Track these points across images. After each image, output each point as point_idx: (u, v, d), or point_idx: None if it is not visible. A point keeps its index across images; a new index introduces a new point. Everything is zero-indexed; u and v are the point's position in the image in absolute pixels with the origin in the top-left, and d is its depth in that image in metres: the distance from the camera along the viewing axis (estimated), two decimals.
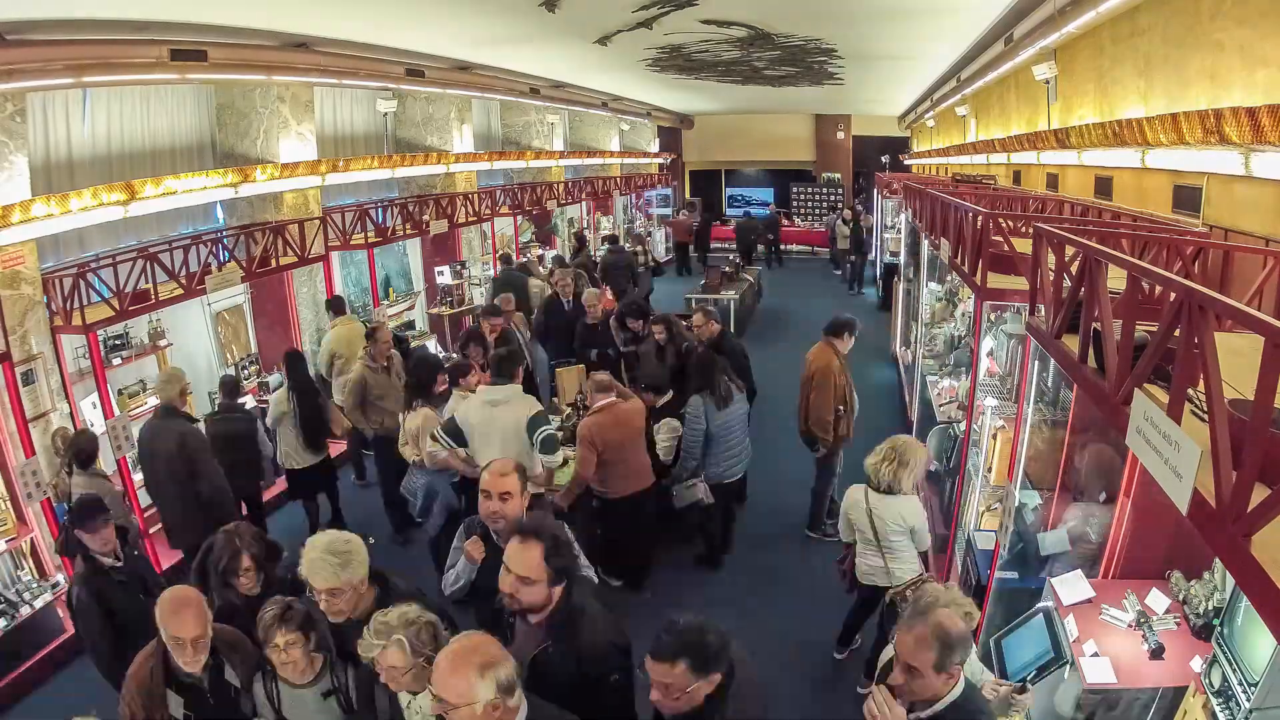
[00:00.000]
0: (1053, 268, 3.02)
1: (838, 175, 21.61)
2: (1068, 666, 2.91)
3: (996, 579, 3.72)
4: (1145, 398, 1.95)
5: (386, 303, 9.35)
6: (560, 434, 6.06)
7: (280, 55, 6.48)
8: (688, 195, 22.95)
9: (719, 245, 19.23)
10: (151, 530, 5.76)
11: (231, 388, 5.63)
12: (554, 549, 2.47)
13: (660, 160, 21.34)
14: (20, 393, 4.74)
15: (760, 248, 18.23)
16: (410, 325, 9.99)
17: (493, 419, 4.42)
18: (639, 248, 14.23)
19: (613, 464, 4.77)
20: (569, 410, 6.32)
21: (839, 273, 16.76)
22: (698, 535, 5.67)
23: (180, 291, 5.93)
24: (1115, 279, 2.50)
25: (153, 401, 6.07)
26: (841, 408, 5.54)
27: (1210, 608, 2.83)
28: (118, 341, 5.92)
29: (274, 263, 7.04)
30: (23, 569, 4.89)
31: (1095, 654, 2.85)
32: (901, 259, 10.44)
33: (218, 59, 5.71)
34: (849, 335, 5.64)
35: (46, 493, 4.76)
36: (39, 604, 4.74)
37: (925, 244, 7.37)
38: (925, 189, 7.33)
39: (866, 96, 16.37)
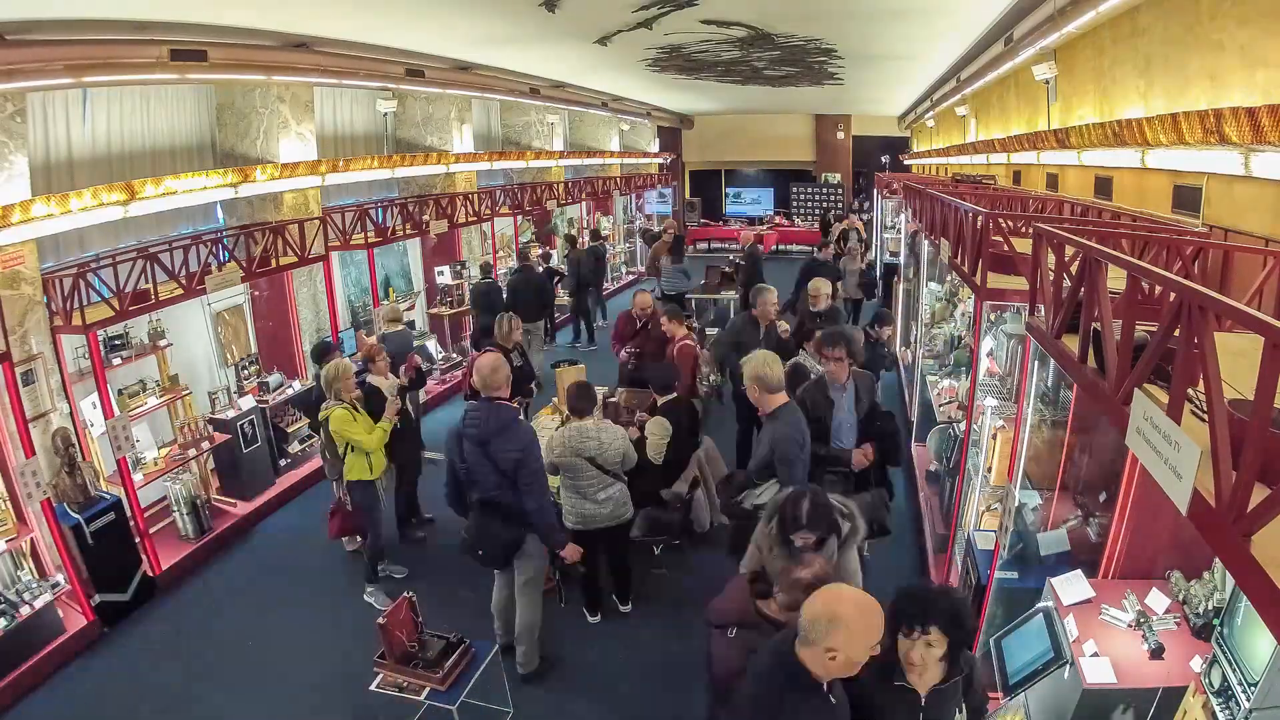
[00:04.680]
0: (1053, 268, 3.02)
1: (837, 176, 21.61)
2: (1068, 666, 2.91)
3: (996, 579, 3.72)
4: (1145, 398, 1.96)
5: (386, 303, 9.35)
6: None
7: (280, 55, 6.47)
8: (687, 195, 22.93)
9: (720, 247, 19.23)
10: (153, 530, 5.77)
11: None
12: None
13: (660, 160, 21.34)
14: (20, 393, 4.73)
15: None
16: (410, 325, 10.00)
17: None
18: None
19: None
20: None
21: None
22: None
23: (180, 291, 5.93)
24: (1115, 279, 2.50)
25: (153, 401, 6.09)
26: None
27: (1210, 608, 2.83)
28: (118, 341, 5.91)
29: (274, 263, 7.04)
30: (23, 569, 4.88)
31: (1095, 654, 2.86)
32: (901, 259, 10.43)
33: (218, 59, 5.71)
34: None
35: (46, 493, 4.77)
36: (39, 604, 4.73)
37: (925, 244, 7.37)
38: (925, 189, 7.33)
39: (866, 96, 16.36)
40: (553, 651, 4.65)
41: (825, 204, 20.62)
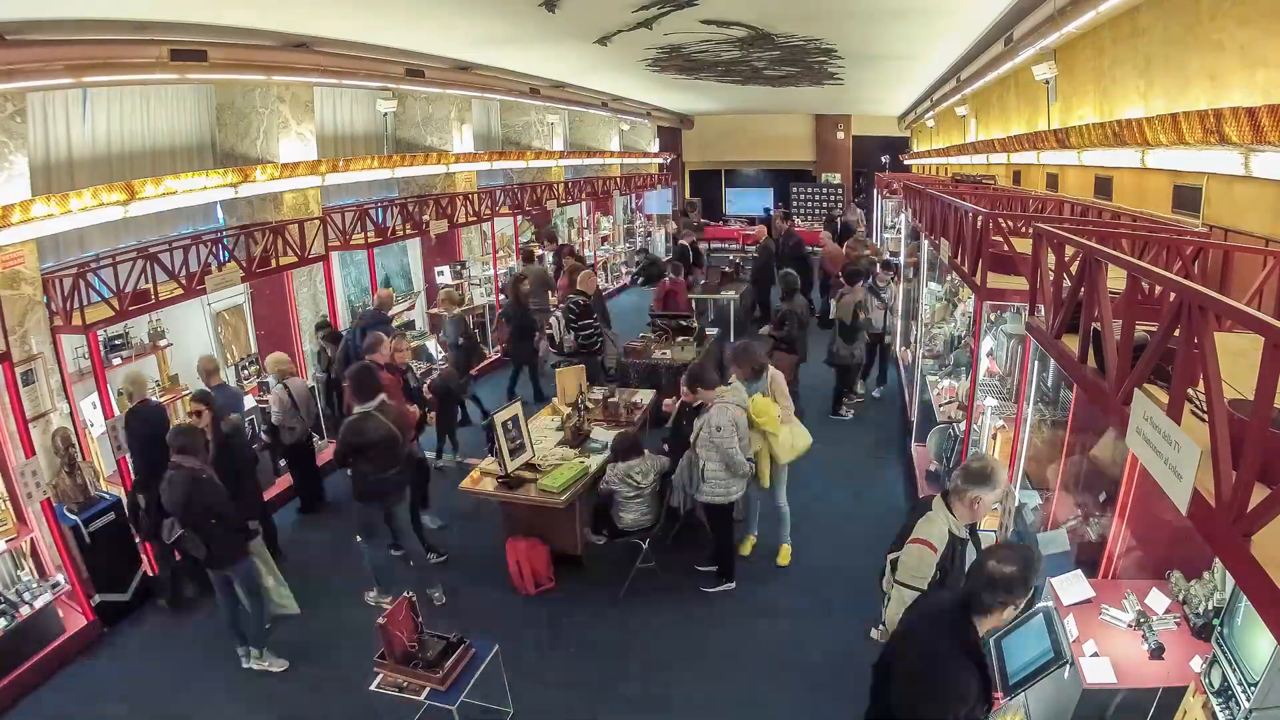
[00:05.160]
0: (1053, 268, 3.02)
1: (837, 176, 21.60)
2: (1068, 666, 2.91)
3: None
4: (1145, 398, 1.96)
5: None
6: (562, 433, 6.08)
7: (280, 55, 6.47)
8: (687, 195, 22.91)
9: (720, 246, 19.19)
10: None
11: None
12: None
13: (660, 160, 21.33)
14: (20, 393, 4.73)
15: None
16: (410, 325, 10.00)
17: None
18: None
19: None
20: (569, 410, 6.32)
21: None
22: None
23: (180, 291, 5.93)
24: (1115, 279, 2.50)
25: (153, 401, 6.08)
26: None
27: (1210, 608, 2.83)
28: (118, 341, 5.91)
29: (274, 263, 7.04)
30: (23, 569, 4.88)
31: (1095, 654, 2.86)
32: (901, 259, 10.43)
33: (218, 59, 5.71)
34: None
35: (46, 493, 4.77)
36: (39, 604, 4.73)
37: (925, 244, 7.37)
38: (925, 189, 7.33)
39: (866, 96, 16.35)
40: (554, 649, 4.66)
41: (827, 204, 20.63)
